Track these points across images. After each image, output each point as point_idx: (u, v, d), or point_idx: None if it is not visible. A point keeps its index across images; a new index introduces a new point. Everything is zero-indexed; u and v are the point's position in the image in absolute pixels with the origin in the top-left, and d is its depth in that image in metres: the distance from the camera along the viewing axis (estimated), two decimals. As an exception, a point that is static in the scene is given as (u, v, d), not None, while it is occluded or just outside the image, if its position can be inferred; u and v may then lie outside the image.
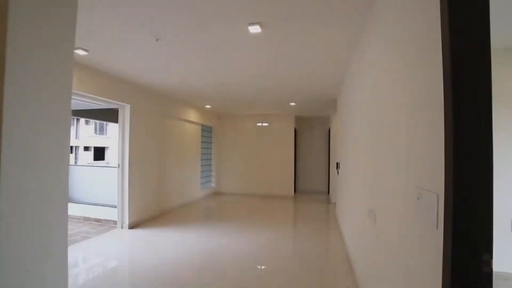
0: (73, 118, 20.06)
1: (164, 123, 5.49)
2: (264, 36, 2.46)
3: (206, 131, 7.69)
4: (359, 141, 2.66)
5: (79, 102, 4.46)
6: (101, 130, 23.71)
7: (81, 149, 21.73)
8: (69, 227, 4.10)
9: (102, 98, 3.91)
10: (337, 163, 4.72)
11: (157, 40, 2.53)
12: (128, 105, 4.38)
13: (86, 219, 4.90)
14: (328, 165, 8.02)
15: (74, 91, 3.41)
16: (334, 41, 2.58)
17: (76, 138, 21.08)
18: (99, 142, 23.22)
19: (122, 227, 4.32)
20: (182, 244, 3.65)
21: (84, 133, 21.90)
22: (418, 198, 1.00)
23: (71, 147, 20.54)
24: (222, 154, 7.97)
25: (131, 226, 4.35)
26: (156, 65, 3.48)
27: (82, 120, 21.25)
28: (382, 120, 1.68)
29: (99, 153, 23.31)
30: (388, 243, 1.50)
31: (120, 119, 4.42)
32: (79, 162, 20.06)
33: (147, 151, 4.80)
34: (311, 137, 8.42)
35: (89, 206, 4.95)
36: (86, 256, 3.34)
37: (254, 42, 2.61)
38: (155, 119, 5.02)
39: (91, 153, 22.66)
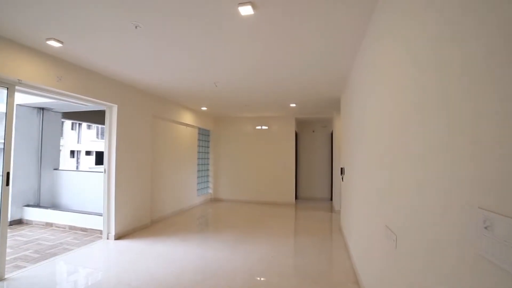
0: (76, 123, 19.84)
1: (157, 126, 5.17)
2: (257, 20, 2.13)
3: (203, 134, 7.36)
4: (369, 144, 2.31)
5: (74, 104, 4.18)
6: (102, 134, 23.52)
7: (82, 153, 21.48)
8: (51, 237, 3.74)
9: (84, 97, 3.59)
10: (341, 168, 4.36)
11: (136, 27, 2.21)
12: (115, 106, 4.06)
13: (72, 228, 4.55)
14: (330, 170, 7.65)
15: (51, 88, 3.10)
16: (340, 24, 2.23)
17: (78, 142, 20.88)
18: (101, 146, 22.97)
19: (107, 238, 3.96)
20: (171, 259, 3.28)
21: (86, 138, 21.71)
22: (486, 227, 0.64)
23: (73, 151, 20.26)
24: (220, 159, 7.62)
25: (118, 237, 3.99)
26: (139, 60, 3.16)
27: (84, 124, 21.07)
28: (410, 119, 1.32)
29: (101, 158, 23.06)
30: (418, 276, 1.14)
31: (107, 120, 4.09)
32: (80, 167, 19.83)
33: (137, 155, 4.46)
34: (313, 140, 8.06)
35: (75, 214, 4.59)
36: (60, 273, 2.98)
37: (246, 28, 2.27)
38: (145, 121, 4.69)
39: (93, 158, 22.42)
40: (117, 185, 4.02)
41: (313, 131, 8.05)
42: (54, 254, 3.40)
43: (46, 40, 2.53)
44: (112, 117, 4.09)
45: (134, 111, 4.41)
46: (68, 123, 18.82)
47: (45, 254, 3.43)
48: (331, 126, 7.52)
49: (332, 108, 5.93)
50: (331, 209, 6.52)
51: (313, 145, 8.03)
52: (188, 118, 6.17)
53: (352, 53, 2.86)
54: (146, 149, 4.70)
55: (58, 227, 4.67)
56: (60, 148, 6.49)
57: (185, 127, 6.22)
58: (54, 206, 5.43)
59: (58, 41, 2.55)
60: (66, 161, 18.26)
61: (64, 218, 4.65)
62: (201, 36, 2.46)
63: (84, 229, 4.43)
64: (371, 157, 2.21)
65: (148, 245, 3.74)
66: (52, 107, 5.43)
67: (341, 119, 4.77)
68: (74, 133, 20.81)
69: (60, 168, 5.71)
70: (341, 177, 4.44)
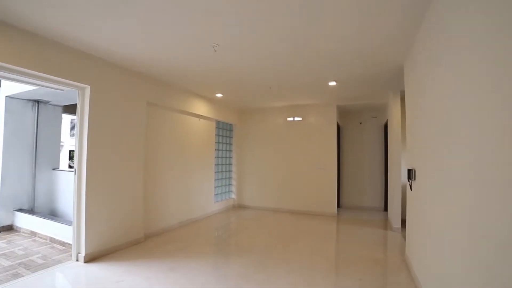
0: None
1: (155, 116, 4.14)
2: None
3: (224, 129, 6.23)
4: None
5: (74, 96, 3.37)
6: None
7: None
8: (20, 252, 2.16)
9: (45, 76, 2.68)
10: (409, 171, 2.78)
11: None
12: (87, 87, 3.09)
13: (52, 240, 3.74)
14: (384, 172, 5.89)
15: (7, 65, 2.28)
16: None
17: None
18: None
19: (77, 259, 2.99)
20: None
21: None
22: None
23: (70, 151, 18.70)
24: (244, 158, 6.40)
25: (90, 258, 3.00)
26: (123, 25, 2.11)
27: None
28: None
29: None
30: None
31: (78, 107, 3.15)
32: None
33: (122, 152, 3.46)
34: (360, 135, 6.36)
35: (58, 224, 3.77)
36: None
37: None
38: (136, 108, 3.68)
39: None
40: (90, 190, 3.03)
41: (360, 123, 6.36)
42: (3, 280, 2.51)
43: None
44: (84, 103, 3.13)
45: (117, 95, 3.41)
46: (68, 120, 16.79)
47: (-13, 280, 2.56)
48: (384, 115, 5.78)
49: (387, 87, 4.29)
50: (387, 224, 4.81)
51: (361, 141, 6.34)
52: (200, 108, 5.08)
53: None
54: (137, 145, 3.68)
55: (41, 238, 3.90)
56: (61, 146, 5.98)
57: (197, 119, 5.13)
58: (51, 211, 4.77)
59: None
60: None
61: (47, 228, 3.87)
62: None
63: (62, 244, 3.57)
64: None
65: (131, 274, 2.65)
66: (48, 99, 4.78)
67: (407, 99, 3.16)
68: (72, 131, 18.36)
69: (60, 169, 5.05)
70: (408, 183, 2.85)
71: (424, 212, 2.32)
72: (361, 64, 3.27)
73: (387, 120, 5.38)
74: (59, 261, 3.01)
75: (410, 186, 2.78)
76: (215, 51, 2.86)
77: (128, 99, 3.56)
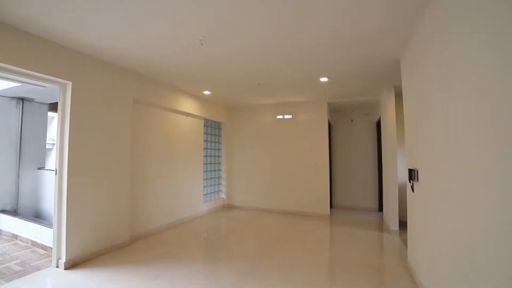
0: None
1: (141, 113, 4.00)
2: None
3: (213, 127, 6.11)
4: None
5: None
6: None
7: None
8: None
9: (22, 71, 2.52)
10: (410, 171, 2.70)
11: None
12: (69, 83, 2.95)
13: (34, 244, 3.58)
14: (378, 171, 5.86)
15: None
16: None
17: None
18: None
19: (57, 266, 2.85)
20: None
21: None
22: None
23: None
24: (234, 157, 6.30)
25: (71, 264, 2.86)
26: (107, 18, 1.96)
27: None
28: None
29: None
30: None
31: (59, 104, 3.00)
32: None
33: (108, 151, 3.32)
34: (352, 133, 6.31)
35: (40, 226, 3.61)
36: None
37: None
38: (121, 106, 3.54)
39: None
40: (71, 190, 2.89)
41: (352, 121, 6.31)
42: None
43: None
44: (65, 99, 2.99)
45: (101, 91, 3.27)
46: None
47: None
48: (376, 112, 5.74)
49: (380, 82, 4.22)
50: (383, 226, 4.76)
51: (352, 139, 6.29)
52: (188, 105, 4.95)
53: None
54: (123, 144, 3.55)
55: (22, 241, 3.74)
56: (50, 145, 5.78)
57: (185, 117, 5.00)
58: (36, 212, 4.60)
59: None
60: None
61: (28, 230, 3.70)
62: None
63: (44, 247, 3.42)
64: None
65: (99, 284, 2.52)
66: (33, 97, 4.59)
67: (405, 96, 3.06)
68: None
69: (46, 168, 4.87)
70: (410, 184, 2.76)
71: (430, 215, 2.19)
72: (354, 58, 3.19)
73: (379, 117, 5.33)
74: (38, 268, 2.86)
75: (412, 187, 2.70)
76: (202, 44, 2.74)
77: (113, 95, 3.41)
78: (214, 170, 6.10)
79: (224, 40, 2.69)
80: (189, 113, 5.01)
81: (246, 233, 4.30)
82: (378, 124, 5.64)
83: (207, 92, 4.87)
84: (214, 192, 6.09)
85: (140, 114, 3.98)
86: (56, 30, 2.50)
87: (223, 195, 6.30)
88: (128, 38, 2.66)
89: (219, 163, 6.29)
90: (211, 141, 6.01)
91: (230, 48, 2.88)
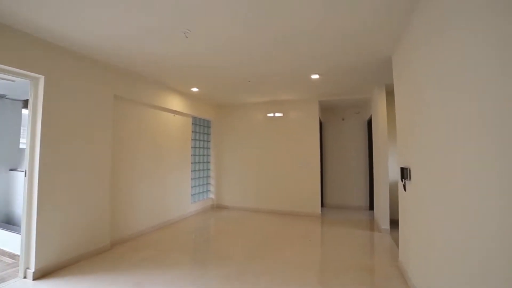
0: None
1: (124, 111, 3.76)
2: None
3: (201, 125, 5.89)
4: None
5: None
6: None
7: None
8: None
9: None
10: (402, 169, 2.60)
11: None
12: (41, 77, 2.69)
13: (1, 252, 3.28)
14: (369, 170, 5.80)
15: None
16: None
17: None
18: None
19: (25, 276, 2.59)
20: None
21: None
22: None
23: None
24: (223, 156, 6.10)
25: (41, 274, 2.61)
26: (85, 7, 1.74)
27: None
28: None
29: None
30: None
31: (30, 100, 2.73)
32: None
33: (85, 150, 3.07)
34: (343, 131, 6.23)
35: (6, 232, 3.31)
36: None
37: None
38: (100, 102, 3.29)
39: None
40: (43, 193, 2.64)
41: (343, 119, 6.23)
42: None
43: None
44: (37, 95, 2.72)
45: (78, 87, 3.01)
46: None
47: None
48: (367, 111, 5.68)
49: (372, 80, 4.14)
50: (373, 225, 4.69)
51: (343, 137, 6.21)
52: (175, 103, 4.72)
53: None
54: (103, 142, 3.30)
55: (-11, 249, 3.43)
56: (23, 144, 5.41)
57: (172, 114, 4.77)
58: (7, 216, 4.26)
59: None
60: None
61: (-3, 237, 3.40)
62: None
63: (12, 256, 3.13)
64: None
65: None
66: (3, 93, 4.25)
67: (397, 93, 2.98)
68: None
69: (19, 169, 4.52)
70: (402, 183, 2.66)
71: (423, 215, 2.11)
72: (345, 54, 3.07)
73: (371, 115, 5.27)
74: (2, 279, 2.58)
75: (404, 186, 2.60)
76: (187, 37, 2.54)
77: (91, 91, 3.16)
78: (203, 170, 5.89)
79: (210, 34, 2.50)
80: (177, 111, 4.78)
81: (235, 235, 4.13)
82: (369, 123, 5.58)
83: (195, 89, 4.66)
84: (203, 192, 5.88)
85: (123, 112, 3.73)
86: (27, 19, 2.24)
87: (212, 195, 6.10)
88: (107, 30, 2.43)
89: (208, 162, 6.08)
90: (199, 140, 5.80)
91: (216, 42, 2.69)
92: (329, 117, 6.33)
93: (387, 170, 4.21)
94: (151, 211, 4.20)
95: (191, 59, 3.21)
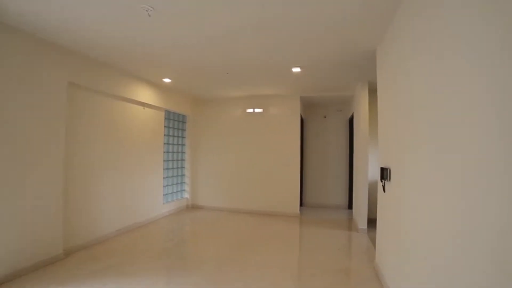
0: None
1: (81, 101, 3.32)
2: None
3: (176, 120, 5.51)
4: None
5: None
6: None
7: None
8: None
9: None
10: (383, 169, 2.44)
11: None
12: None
13: None
14: (348, 169, 5.72)
15: None
16: None
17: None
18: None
19: (-49, 295, 2.16)
20: None
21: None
22: None
23: None
24: (199, 153, 5.77)
25: (-27, 292, 2.19)
26: None
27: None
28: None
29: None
30: None
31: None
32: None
33: (27, 147, 2.64)
34: (324, 129, 6.09)
35: None
36: None
37: None
38: (51, 90, 2.85)
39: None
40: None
41: (325, 117, 6.09)
42: None
43: None
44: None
45: (17, 71, 2.55)
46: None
47: None
48: (349, 109, 5.57)
49: (354, 77, 3.99)
50: (351, 225, 4.59)
51: (324, 135, 6.08)
52: (146, 95, 4.32)
53: None
54: (53, 136, 2.87)
55: None
56: None
57: (142, 107, 4.37)
58: None
59: None
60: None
61: None
62: None
63: None
64: None
65: None
66: None
67: (379, 90, 2.82)
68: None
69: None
70: (381, 183, 2.51)
71: (401, 217, 1.99)
72: (329, 45, 2.85)
73: (352, 114, 5.15)
74: None
75: (383, 187, 2.45)
76: (149, 15, 2.20)
77: (36, 76, 2.72)
78: (177, 168, 5.52)
79: (177, 13, 2.18)
80: (146, 103, 4.38)
81: (209, 237, 3.85)
82: (351, 121, 5.47)
83: (167, 80, 4.28)
84: (177, 191, 5.52)
85: (82, 102, 3.30)
86: None
87: (186, 195, 5.75)
88: (54, 4, 2.03)
89: (183, 160, 5.72)
90: (174, 136, 5.42)
91: (185, 25, 2.37)
92: (310, 114, 6.16)
93: (367, 169, 4.11)
94: (116, 213, 3.81)
95: (157, 45, 2.86)
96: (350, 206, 5.61)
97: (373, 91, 4.20)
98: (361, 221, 4.13)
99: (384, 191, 2.46)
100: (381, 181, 2.50)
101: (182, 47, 2.92)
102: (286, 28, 2.43)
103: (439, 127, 1.36)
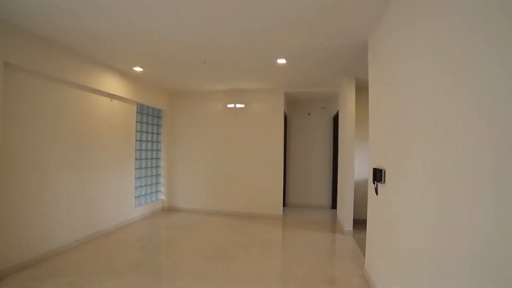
0: None
1: (22, 86, 2.82)
2: None
3: (151, 115, 5.06)
4: None
5: None
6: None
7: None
8: None
9: None
10: (375, 170, 2.21)
11: None
12: None
13: None
14: (332, 168, 5.55)
15: None
16: None
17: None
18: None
19: None
20: None
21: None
22: None
23: None
24: (176, 151, 5.36)
25: None
26: None
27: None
28: None
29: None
30: None
31: None
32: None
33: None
34: (308, 127, 5.88)
35: None
36: None
37: None
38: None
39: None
40: None
41: (309, 114, 5.87)
42: None
43: None
44: None
45: None
46: None
47: None
48: (334, 106, 5.38)
49: (341, 72, 3.77)
50: (336, 226, 4.40)
51: (308, 133, 5.86)
52: (114, 85, 3.86)
53: None
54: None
55: None
56: None
57: (109, 99, 3.90)
58: None
59: None
60: None
61: None
62: None
63: None
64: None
65: None
66: None
67: (371, 86, 2.61)
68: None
69: None
70: (374, 185, 2.28)
71: (399, 223, 1.78)
72: (318, 35, 2.59)
73: (337, 111, 4.96)
74: None
75: (376, 189, 2.22)
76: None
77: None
78: (152, 167, 5.08)
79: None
80: (115, 95, 3.92)
81: (185, 245, 3.49)
82: (335, 119, 5.29)
83: (138, 69, 3.85)
84: (151, 193, 5.09)
85: (23, 87, 2.76)
86: None
87: (162, 196, 5.32)
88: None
89: (158, 158, 5.28)
90: (148, 132, 4.96)
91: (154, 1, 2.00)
92: (294, 111, 5.92)
93: (353, 170, 3.92)
94: (76, 220, 3.34)
95: (120, 21, 2.45)
96: (334, 206, 5.45)
97: (360, 88, 4.03)
98: (347, 223, 3.95)
99: (376, 193, 2.24)
100: (373, 183, 2.28)
101: (148, 28, 2.53)
102: (271, 8, 2.13)
103: (442, 127, 1.19)
